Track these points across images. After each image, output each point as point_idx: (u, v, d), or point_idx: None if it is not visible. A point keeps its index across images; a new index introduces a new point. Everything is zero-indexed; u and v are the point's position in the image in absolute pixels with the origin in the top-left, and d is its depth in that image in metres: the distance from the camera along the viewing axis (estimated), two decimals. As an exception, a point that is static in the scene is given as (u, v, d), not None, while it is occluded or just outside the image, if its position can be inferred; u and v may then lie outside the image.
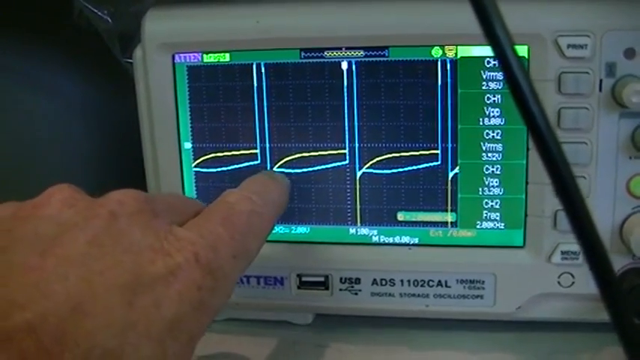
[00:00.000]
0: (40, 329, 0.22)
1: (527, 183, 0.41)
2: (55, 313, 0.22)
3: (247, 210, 0.32)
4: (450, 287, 0.42)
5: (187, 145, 0.44)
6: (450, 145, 0.41)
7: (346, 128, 0.42)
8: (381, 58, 0.41)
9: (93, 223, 0.26)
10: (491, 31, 0.21)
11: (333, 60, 0.41)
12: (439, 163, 0.41)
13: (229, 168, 0.44)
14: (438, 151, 0.41)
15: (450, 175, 0.41)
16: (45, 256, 0.24)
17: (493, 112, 0.40)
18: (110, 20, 0.46)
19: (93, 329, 0.23)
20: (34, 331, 0.22)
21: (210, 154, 0.44)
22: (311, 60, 0.41)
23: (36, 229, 0.26)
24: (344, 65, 0.41)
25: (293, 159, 0.43)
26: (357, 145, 0.42)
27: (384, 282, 0.43)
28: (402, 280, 0.43)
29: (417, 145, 0.41)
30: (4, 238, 0.26)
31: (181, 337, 0.26)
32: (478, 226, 0.42)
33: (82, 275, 0.24)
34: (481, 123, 0.40)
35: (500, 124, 0.40)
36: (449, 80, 0.40)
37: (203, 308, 0.27)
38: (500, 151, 0.41)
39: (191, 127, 0.43)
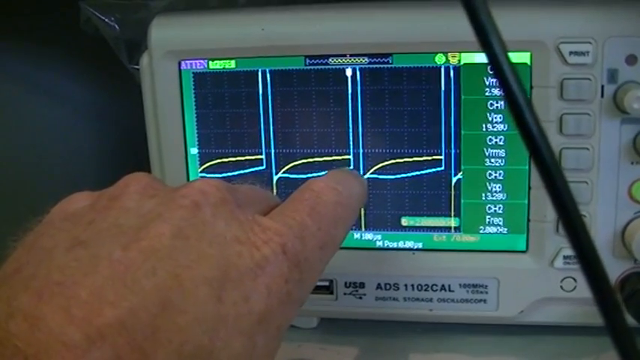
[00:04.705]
0: (131, 326, 0.21)
1: (529, 188, 0.41)
2: (145, 309, 0.22)
3: (333, 200, 0.30)
4: (453, 291, 0.43)
5: (193, 150, 0.44)
6: (453, 151, 0.41)
7: (350, 134, 0.42)
8: (385, 65, 0.41)
9: (176, 214, 0.25)
10: (486, 41, 0.21)
11: (337, 67, 0.41)
12: (442, 168, 0.42)
13: (235, 173, 0.44)
14: (442, 157, 0.42)
15: (454, 180, 0.42)
16: (129, 249, 0.23)
17: (496, 118, 0.40)
18: (117, 27, 0.46)
19: (184, 325, 0.22)
20: (126, 329, 0.21)
21: (216, 159, 0.44)
22: (315, 67, 0.42)
23: (117, 221, 0.25)
24: (348, 72, 0.41)
25: (298, 164, 0.43)
26: (361, 150, 0.42)
27: (388, 286, 0.43)
28: (405, 285, 0.43)
29: (421, 150, 0.42)
30: (85, 232, 0.25)
31: (270, 331, 0.25)
32: (481, 231, 0.42)
33: (170, 269, 0.23)
34: (484, 129, 0.41)
35: (502, 130, 0.40)
36: (452, 87, 0.40)
37: (290, 300, 0.26)
38: (503, 157, 0.41)
39: (197, 132, 0.44)
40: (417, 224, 0.43)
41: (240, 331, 0.24)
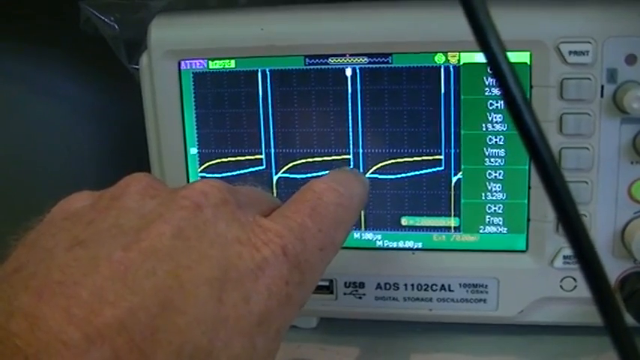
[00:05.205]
0: (131, 327, 0.21)
1: (529, 188, 0.41)
2: (144, 309, 0.22)
3: (334, 202, 0.30)
4: (453, 291, 0.43)
5: (193, 150, 0.44)
6: (453, 151, 0.41)
7: (350, 134, 0.42)
8: (385, 65, 0.41)
9: (177, 214, 0.25)
10: (485, 41, 0.21)
11: (337, 66, 0.41)
12: (442, 168, 0.42)
13: (234, 173, 0.44)
14: (441, 157, 0.42)
15: (453, 180, 0.42)
16: (130, 249, 0.23)
17: (496, 117, 0.40)
18: (117, 27, 0.46)
19: (184, 326, 0.22)
20: (126, 329, 0.21)
21: (215, 159, 0.44)
22: (315, 67, 0.42)
23: (118, 221, 0.25)
24: (348, 72, 0.41)
25: (297, 164, 0.43)
26: (360, 150, 0.42)
27: (388, 286, 0.43)
28: (405, 285, 0.43)
29: (421, 150, 0.42)
30: (85, 231, 0.25)
31: (269, 332, 0.25)
32: (481, 231, 0.42)
33: (170, 270, 0.23)
34: (484, 129, 0.41)
35: (502, 130, 0.40)
36: (452, 86, 0.40)
37: (290, 302, 0.26)
38: (502, 157, 0.41)
39: (197, 132, 0.44)
40: (417, 224, 0.43)
41: (240, 333, 0.24)
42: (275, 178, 0.44)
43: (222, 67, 0.43)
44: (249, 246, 0.26)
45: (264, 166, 0.44)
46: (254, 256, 0.26)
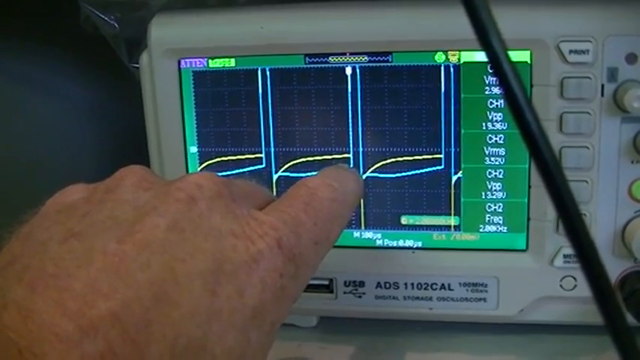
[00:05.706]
0: (124, 319, 0.21)
1: (529, 187, 0.41)
2: (138, 302, 0.22)
3: (329, 197, 0.30)
4: (453, 290, 0.43)
5: (193, 149, 0.44)
6: (453, 150, 0.41)
7: (350, 133, 0.42)
8: (385, 64, 0.41)
9: (172, 207, 0.25)
10: (486, 40, 0.21)
11: (337, 65, 0.41)
12: (442, 167, 0.42)
13: (234, 172, 0.44)
14: (442, 156, 0.42)
15: (453, 179, 0.42)
16: (124, 242, 0.23)
17: (496, 116, 0.40)
18: (117, 26, 0.46)
19: (178, 319, 0.22)
20: (119, 321, 0.21)
21: (215, 158, 0.44)
22: (315, 65, 0.42)
23: (112, 213, 0.25)
24: (348, 70, 0.41)
25: (297, 163, 0.43)
26: (361, 149, 0.42)
27: (387, 285, 0.43)
28: (405, 284, 0.43)
29: (421, 149, 0.42)
30: (80, 224, 0.25)
31: (264, 325, 0.25)
32: (481, 230, 0.42)
33: (164, 262, 0.23)
34: (484, 127, 0.41)
35: (502, 129, 0.40)
36: (452, 85, 0.40)
37: (284, 295, 0.26)
38: (502, 156, 0.41)
39: (197, 131, 0.44)
40: (417, 223, 0.43)
41: (234, 326, 0.24)
42: (275, 177, 0.44)
43: (222, 65, 0.43)
44: (243, 239, 0.26)
45: (264, 165, 0.44)
46: (249, 249, 0.26)
